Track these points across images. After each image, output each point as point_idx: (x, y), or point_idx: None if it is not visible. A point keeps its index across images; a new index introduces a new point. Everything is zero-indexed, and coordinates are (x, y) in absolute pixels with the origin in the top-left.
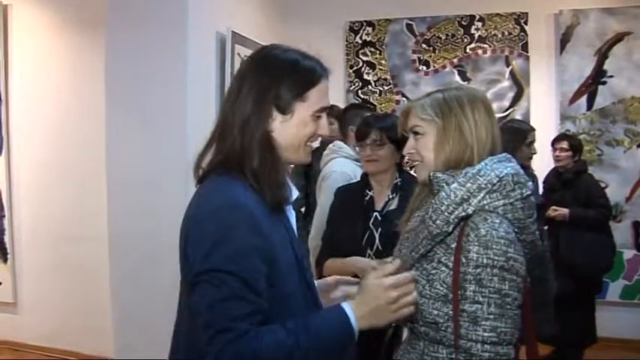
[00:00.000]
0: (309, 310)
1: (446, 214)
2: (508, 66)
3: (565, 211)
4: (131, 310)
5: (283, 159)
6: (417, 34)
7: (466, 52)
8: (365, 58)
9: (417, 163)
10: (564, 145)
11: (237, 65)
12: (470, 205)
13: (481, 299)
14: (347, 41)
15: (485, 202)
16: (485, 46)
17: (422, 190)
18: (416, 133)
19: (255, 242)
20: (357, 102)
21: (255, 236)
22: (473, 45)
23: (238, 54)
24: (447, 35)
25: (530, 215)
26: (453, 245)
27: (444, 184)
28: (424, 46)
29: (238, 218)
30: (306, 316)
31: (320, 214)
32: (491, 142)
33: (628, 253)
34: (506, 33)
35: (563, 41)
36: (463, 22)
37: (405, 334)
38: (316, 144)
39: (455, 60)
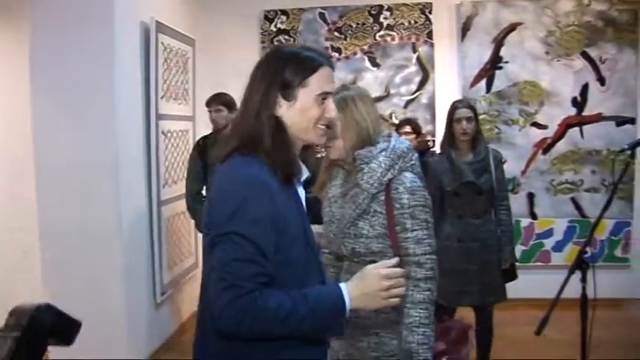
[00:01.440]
0: (313, 275)
1: (380, 177)
2: (415, 52)
3: None
4: (62, 298)
5: (294, 140)
6: (330, 22)
7: (375, 40)
8: None
9: (328, 146)
10: (407, 129)
11: (161, 54)
12: (394, 169)
13: (417, 227)
14: (262, 29)
15: (402, 165)
16: (394, 33)
17: (330, 165)
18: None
19: (269, 211)
20: None
21: (269, 206)
22: (382, 33)
23: (162, 43)
24: (357, 24)
25: (421, 170)
26: (382, 198)
27: (366, 159)
28: (336, 33)
29: (255, 190)
30: (307, 288)
31: None
32: (376, 125)
33: (524, 222)
34: (412, 22)
35: (464, 30)
36: (372, 12)
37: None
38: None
39: (365, 47)
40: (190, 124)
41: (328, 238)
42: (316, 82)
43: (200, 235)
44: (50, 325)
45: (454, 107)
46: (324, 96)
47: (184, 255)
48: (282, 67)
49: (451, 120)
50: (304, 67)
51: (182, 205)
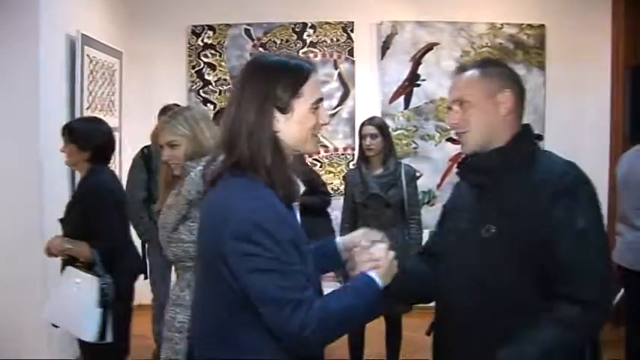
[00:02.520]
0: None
1: (197, 184)
2: (336, 69)
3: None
4: None
5: (290, 154)
6: (255, 38)
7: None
8: (206, 60)
9: (174, 164)
10: None
11: (87, 66)
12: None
13: None
14: (189, 44)
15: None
16: (316, 50)
17: (173, 179)
18: (172, 146)
19: (288, 234)
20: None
21: (287, 229)
22: (305, 49)
23: (88, 55)
24: (281, 40)
25: None
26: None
27: (190, 169)
28: (261, 49)
29: (271, 215)
30: (342, 287)
31: None
32: (212, 140)
33: None
34: (334, 39)
35: (384, 48)
36: (296, 29)
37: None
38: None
39: None
40: (117, 135)
41: (162, 244)
42: (309, 91)
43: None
44: None
45: (362, 124)
46: (317, 104)
47: None
48: (274, 80)
49: (360, 136)
50: (296, 76)
51: None
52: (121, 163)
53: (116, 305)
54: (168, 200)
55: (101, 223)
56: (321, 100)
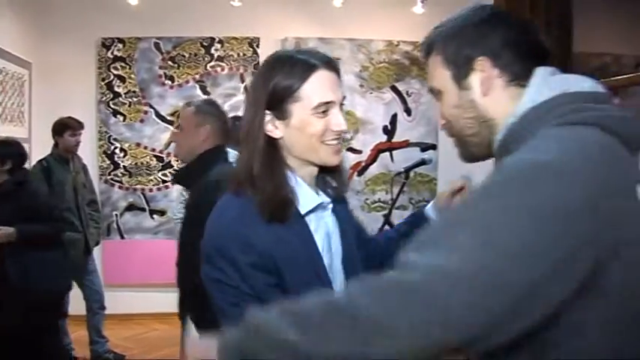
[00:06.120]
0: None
1: None
2: (242, 82)
3: (9, 229)
4: None
5: (301, 164)
6: (164, 52)
7: (207, 70)
8: (116, 72)
9: None
10: None
11: None
12: None
13: None
14: (99, 55)
15: None
16: (223, 64)
17: None
18: None
19: (249, 260)
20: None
21: (245, 256)
22: (213, 63)
23: None
24: (190, 54)
25: None
26: None
27: None
28: (170, 63)
29: (234, 237)
30: None
31: None
32: None
33: None
34: (241, 54)
35: None
36: (204, 43)
37: None
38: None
39: (197, 76)
40: (26, 145)
41: None
42: (311, 92)
43: None
44: None
45: None
46: (324, 107)
47: None
48: (268, 79)
49: None
50: (293, 75)
51: None
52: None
53: None
54: None
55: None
56: (327, 103)
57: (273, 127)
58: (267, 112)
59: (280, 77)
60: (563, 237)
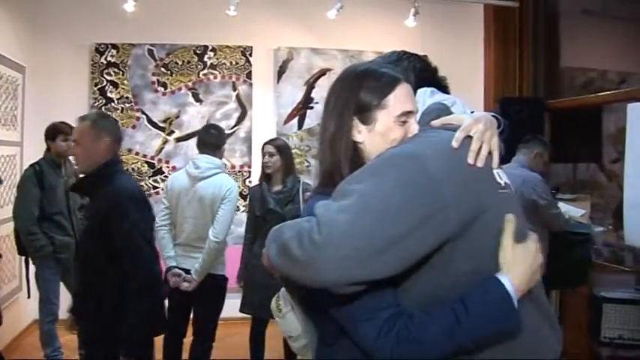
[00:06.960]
0: None
1: None
2: (235, 91)
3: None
4: None
5: None
6: (157, 58)
7: (199, 77)
8: (109, 78)
9: None
10: None
11: None
12: None
13: None
14: (93, 61)
15: None
16: (216, 72)
17: None
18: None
19: None
20: None
21: None
22: (205, 71)
23: None
24: (183, 61)
25: None
26: None
27: None
28: (163, 69)
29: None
30: None
31: None
32: None
33: None
34: (233, 62)
35: (280, 72)
36: (198, 51)
37: None
38: None
39: (190, 83)
40: (18, 149)
41: None
42: (395, 102)
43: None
44: None
45: (263, 144)
46: (405, 116)
47: (8, 278)
48: (357, 88)
49: (262, 154)
50: (381, 86)
51: (5, 228)
52: None
53: None
54: None
55: None
56: (409, 113)
57: (357, 132)
58: (355, 118)
59: (369, 87)
60: (425, 200)
